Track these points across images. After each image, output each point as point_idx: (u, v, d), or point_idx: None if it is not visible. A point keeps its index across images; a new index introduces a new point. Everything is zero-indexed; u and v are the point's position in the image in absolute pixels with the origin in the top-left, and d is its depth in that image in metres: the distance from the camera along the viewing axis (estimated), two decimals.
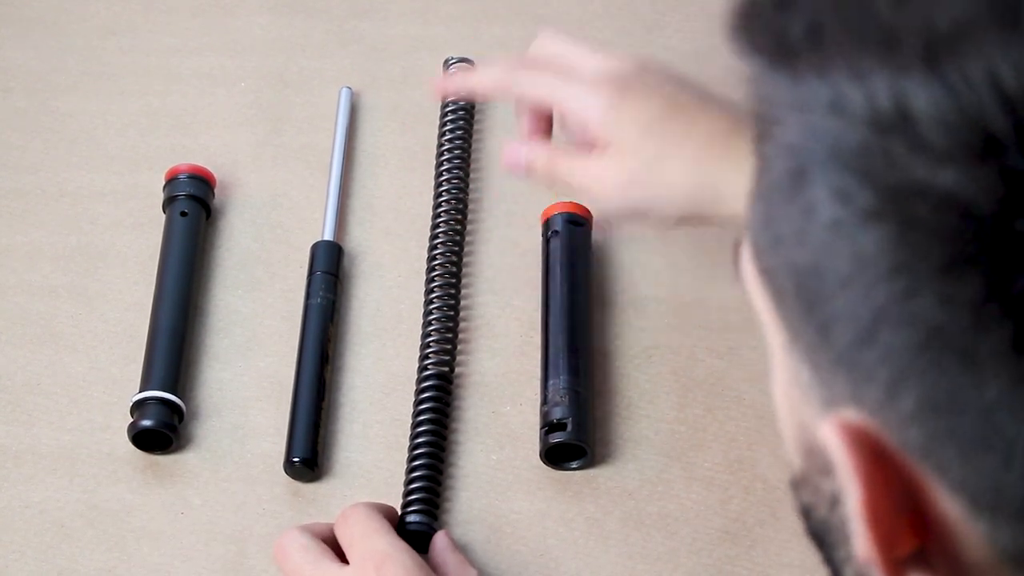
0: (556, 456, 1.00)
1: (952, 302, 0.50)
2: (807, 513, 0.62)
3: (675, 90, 0.97)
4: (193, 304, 1.06)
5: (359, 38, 1.20)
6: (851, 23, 0.52)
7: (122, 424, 1.01)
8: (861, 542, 0.54)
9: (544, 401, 1.01)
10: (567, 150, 0.99)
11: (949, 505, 0.53)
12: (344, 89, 1.16)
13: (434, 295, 1.06)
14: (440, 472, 0.99)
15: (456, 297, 1.06)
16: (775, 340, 0.59)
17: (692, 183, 0.94)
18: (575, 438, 0.99)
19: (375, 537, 0.91)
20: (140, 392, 1.01)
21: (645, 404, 1.03)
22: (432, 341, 1.04)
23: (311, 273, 1.06)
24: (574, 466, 1.01)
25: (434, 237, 1.09)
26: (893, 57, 0.51)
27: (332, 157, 1.13)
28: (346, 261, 1.09)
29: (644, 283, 1.08)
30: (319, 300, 1.05)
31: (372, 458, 1.01)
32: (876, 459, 0.53)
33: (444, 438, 1.01)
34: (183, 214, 1.08)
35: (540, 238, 1.09)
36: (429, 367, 1.03)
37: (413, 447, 1.00)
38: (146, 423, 1.00)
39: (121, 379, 1.04)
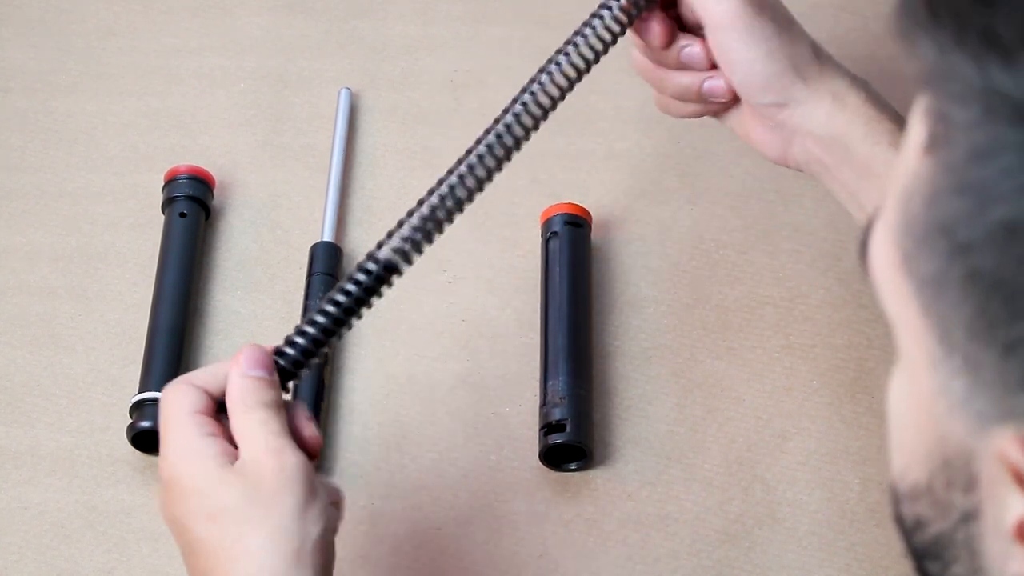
0: (555, 457, 1.00)
1: None
2: (917, 526, 0.61)
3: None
4: (192, 305, 1.06)
5: (359, 38, 1.20)
6: None
7: (121, 425, 1.01)
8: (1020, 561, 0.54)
9: (543, 402, 1.01)
10: None
11: None
12: (343, 90, 1.16)
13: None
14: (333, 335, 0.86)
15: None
16: (915, 350, 0.57)
17: (787, 53, 0.91)
18: (574, 439, 0.99)
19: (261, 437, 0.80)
20: (139, 393, 1.01)
21: (644, 405, 1.03)
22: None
23: (310, 274, 1.06)
24: (573, 467, 1.01)
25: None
26: None
27: (331, 158, 1.13)
28: (345, 262, 1.09)
29: (643, 284, 1.08)
30: (318, 301, 1.05)
31: (371, 459, 1.01)
32: None
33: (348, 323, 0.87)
34: (182, 215, 1.08)
35: (539, 239, 1.09)
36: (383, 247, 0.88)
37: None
38: (145, 424, 1.00)
39: (120, 380, 1.04)
